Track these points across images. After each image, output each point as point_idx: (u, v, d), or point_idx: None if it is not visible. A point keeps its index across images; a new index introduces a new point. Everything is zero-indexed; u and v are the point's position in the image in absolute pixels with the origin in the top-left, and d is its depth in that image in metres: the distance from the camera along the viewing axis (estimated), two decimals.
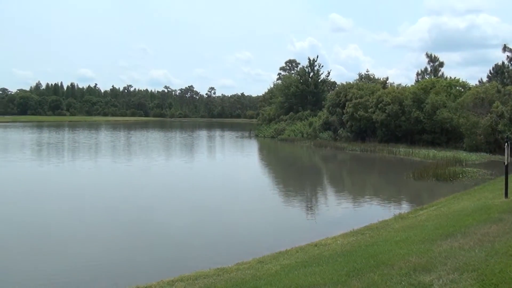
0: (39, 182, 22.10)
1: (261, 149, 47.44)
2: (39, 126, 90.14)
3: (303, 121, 58.41)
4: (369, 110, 42.95)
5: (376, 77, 64.22)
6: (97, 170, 27.05)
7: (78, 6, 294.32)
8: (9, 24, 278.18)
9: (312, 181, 25.16)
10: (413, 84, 52.55)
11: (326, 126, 49.98)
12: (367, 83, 53.68)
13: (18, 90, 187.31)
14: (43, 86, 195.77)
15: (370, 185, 23.55)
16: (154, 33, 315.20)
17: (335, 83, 77.63)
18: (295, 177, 26.95)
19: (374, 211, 15.76)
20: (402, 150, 36.01)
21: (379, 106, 42.02)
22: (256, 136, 65.05)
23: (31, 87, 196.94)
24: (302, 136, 53.43)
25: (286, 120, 63.49)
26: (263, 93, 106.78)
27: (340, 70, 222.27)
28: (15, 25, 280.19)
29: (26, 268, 9.84)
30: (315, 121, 53.36)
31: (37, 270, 9.68)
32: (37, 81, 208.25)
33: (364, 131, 44.27)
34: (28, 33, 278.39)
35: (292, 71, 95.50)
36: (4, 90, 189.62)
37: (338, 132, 47.00)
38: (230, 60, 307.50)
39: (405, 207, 16.46)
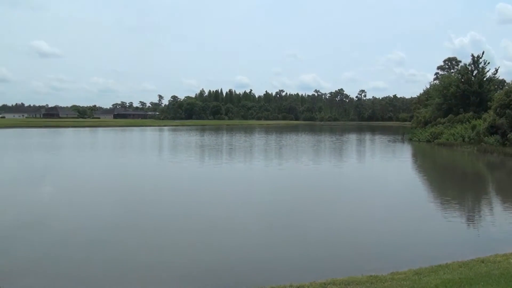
0: (197, 181, 24.40)
1: (415, 154, 44.69)
2: (202, 129, 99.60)
3: (464, 124, 53.19)
4: None
5: None
6: (249, 172, 28.74)
7: (234, 19, 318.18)
8: (179, 40, 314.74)
9: (474, 190, 22.75)
10: None
11: (493, 129, 44.59)
12: None
13: (185, 97, 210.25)
14: (206, 93, 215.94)
15: None
16: (303, 38, 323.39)
17: (504, 81, 68.95)
18: (454, 185, 24.73)
19: None
20: None
21: None
22: (410, 140, 61.46)
23: (196, 94, 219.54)
24: (463, 140, 48.64)
25: (444, 123, 58.59)
26: (418, 94, 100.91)
27: (510, 67, 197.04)
28: (183, 41, 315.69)
29: (187, 257, 10.98)
30: (479, 124, 48.08)
31: (197, 260, 10.73)
32: (201, 89, 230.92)
33: None
34: (193, 46, 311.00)
35: (452, 70, 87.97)
36: (174, 97, 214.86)
37: (508, 136, 41.54)
38: (381, 61, 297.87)
39: None
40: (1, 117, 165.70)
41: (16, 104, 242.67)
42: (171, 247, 11.82)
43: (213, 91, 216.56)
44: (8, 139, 58.93)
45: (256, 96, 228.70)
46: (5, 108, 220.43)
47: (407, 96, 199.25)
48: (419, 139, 59.00)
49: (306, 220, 15.04)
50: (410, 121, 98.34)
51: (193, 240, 12.40)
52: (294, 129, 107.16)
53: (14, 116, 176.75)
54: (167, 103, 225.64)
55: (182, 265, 10.34)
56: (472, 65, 61.08)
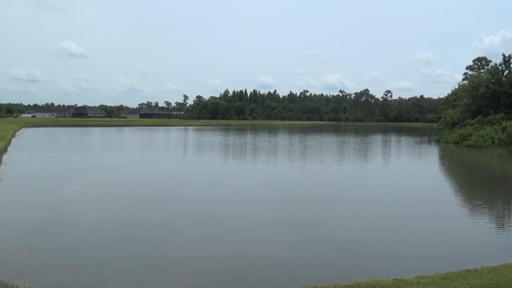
0: (222, 180, 24.56)
1: (442, 156, 43.76)
2: (226, 129, 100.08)
3: (494, 125, 51.82)
4: None
5: None
6: (273, 172, 28.72)
7: (258, 20, 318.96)
8: (203, 41, 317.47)
9: (505, 194, 22.07)
10: None
11: None
12: None
13: (210, 97, 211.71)
14: (230, 93, 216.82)
15: None
16: (327, 38, 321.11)
17: None
18: (483, 188, 24.09)
19: None
20: None
21: None
22: (437, 141, 60.23)
23: (220, 94, 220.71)
24: (493, 142, 47.40)
25: (473, 124, 57.22)
26: (446, 95, 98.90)
27: None
28: (208, 42, 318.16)
29: (211, 257, 11.06)
30: (509, 126, 46.79)
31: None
32: (225, 89, 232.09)
33: None
34: (218, 46, 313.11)
35: (482, 70, 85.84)
36: (199, 97, 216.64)
37: None
38: (408, 61, 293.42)
39: None
40: (32, 116, 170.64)
41: (46, 103, 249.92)
42: (194, 246, 11.93)
43: (237, 91, 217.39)
44: (43, 137, 60.65)
45: (281, 97, 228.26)
46: (36, 108, 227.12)
47: (434, 97, 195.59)
48: (446, 141, 57.80)
49: (330, 221, 14.96)
50: (437, 122, 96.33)
51: (217, 240, 12.50)
52: (318, 130, 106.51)
53: (44, 115, 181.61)
54: (192, 103, 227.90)
55: (206, 264, 10.42)
56: (503, 65, 59.50)
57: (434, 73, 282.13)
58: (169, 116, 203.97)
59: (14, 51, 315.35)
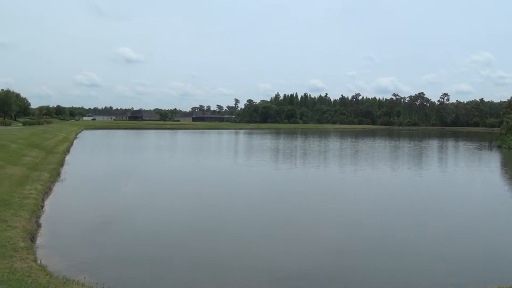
0: (268, 185, 24.61)
1: (505, 163, 41.35)
2: (277, 133, 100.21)
3: None
4: None
5: None
6: (325, 178, 28.39)
7: (308, 22, 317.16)
8: (254, 45, 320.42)
9: None
10: None
11: None
12: None
13: (261, 101, 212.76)
14: (281, 97, 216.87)
15: None
16: (379, 40, 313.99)
17: None
18: None
19: None
20: None
21: None
22: (499, 147, 57.06)
23: (271, 98, 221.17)
24: None
25: None
26: (509, 98, 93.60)
27: None
28: (258, 46, 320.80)
29: (264, 262, 11.08)
30: None
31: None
32: (276, 93, 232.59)
33: None
34: (268, 50, 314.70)
35: None
36: (250, 101, 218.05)
37: None
38: (465, 63, 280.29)
39: None
40: (92, 119, 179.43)
41: (105, 107, 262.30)
42: (251, 250, 12.03)
43: (288, 95, 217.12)
44: (102, 139, 63.70)
45: (332, 100, 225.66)
46: (96, 111, 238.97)
47: (496, 100, 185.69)
48: (509, 147, 54.68)
49: (394, 231, 14.47)
50: (499, 126, 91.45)
51: (269, 244, 12.56)
52: (371, 134, 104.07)
53: (103, 118, 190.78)
54: (242, 107, 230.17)
55: (260, 269, 10.49)
56: None
57: (495, 75, 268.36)
58: (221, 120, 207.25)
59: (76, 57, 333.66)
